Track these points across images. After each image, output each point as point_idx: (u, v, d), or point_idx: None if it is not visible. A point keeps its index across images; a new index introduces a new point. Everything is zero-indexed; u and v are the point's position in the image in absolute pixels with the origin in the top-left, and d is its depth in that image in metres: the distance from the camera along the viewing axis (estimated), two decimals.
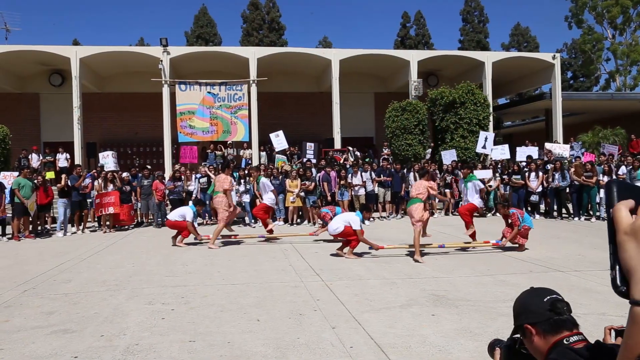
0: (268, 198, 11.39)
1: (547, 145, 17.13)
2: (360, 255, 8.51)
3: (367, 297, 5.76)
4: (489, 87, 20.76)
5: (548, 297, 1.58)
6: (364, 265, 7.69)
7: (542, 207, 14.97)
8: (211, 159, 17.92)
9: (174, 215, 10.35)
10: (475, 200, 9.40)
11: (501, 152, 16.79)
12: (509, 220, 8.82)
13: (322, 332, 4.53)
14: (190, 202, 12.35)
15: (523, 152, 16.38)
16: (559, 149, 17.12)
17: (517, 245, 8.75)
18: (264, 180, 11.74)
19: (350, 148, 18.71)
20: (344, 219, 8.62)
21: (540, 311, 1.55)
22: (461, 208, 9.73)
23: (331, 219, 9.88)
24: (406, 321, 4.82)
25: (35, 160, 17.62)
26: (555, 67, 21.23)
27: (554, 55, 21.33)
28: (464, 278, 6.67)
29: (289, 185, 13.81)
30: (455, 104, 18.70)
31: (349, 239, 8.56)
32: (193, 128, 18.61)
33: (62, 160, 18.27)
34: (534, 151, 16.59)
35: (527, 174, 14.16)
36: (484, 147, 16.53)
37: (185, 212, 10.23)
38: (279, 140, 17.14)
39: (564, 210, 13.94)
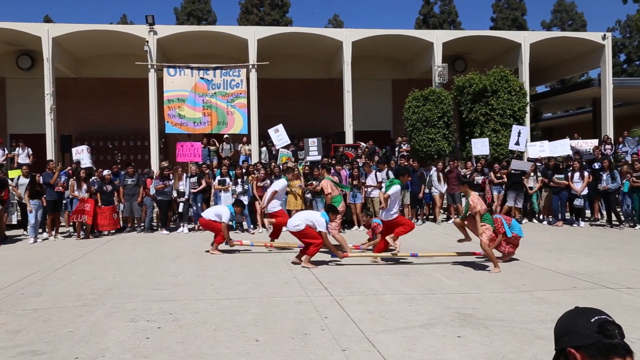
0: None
1: (573, 143, 17.02)
2: (316, 264, 8.68)
3: (382, 314, 5.76)
4: (526, 73, 20.66)
5: (596, 318, 1.56)
6: (379, 278, 7.70)
7: (588, 212, 14.92)
8: (204, 155, 17.95)
9: (209, 213, 10.45)
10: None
11: (540, 150, 16.70)
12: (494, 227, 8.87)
13: (331, 355, 4.54)
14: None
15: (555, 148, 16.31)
16: (586, 145, 17.00)
17: (500, 254, 8.87)
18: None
19: (363, 144, 18.69)
20: (307, 218, 8.86)
21: (587, 333, 1.53)
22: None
23: (381, 232, 9.88)
24: (428, 343, 4.81)
25: None
26: (605, 49, 21.08)
27: (605, 35, 21.18)
28: (496, 294, 6.65)
29: (290, 184, 13.79)
30: (486, 93, 18.63)
31: (306, 241, 8.78)
32: (183, 118, 18.66)
33: (22, 156, 17.68)
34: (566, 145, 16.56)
35: (570, 174, 14.07)
36: (517, 143, 16.38)
37: (222, 212, 10.33)
38: (278, 135, 17.09)
39: (613, 217, 13.84)
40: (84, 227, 13.18)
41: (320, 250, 8.92)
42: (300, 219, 8.87)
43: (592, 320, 1.55)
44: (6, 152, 18.28)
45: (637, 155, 14.79)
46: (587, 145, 17.22)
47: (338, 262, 8.94)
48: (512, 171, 14.59)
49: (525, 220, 14.65)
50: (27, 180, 13.01)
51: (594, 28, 57.80)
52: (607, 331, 1.52)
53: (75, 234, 13.16)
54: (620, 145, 19.10)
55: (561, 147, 16.17)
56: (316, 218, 8.82)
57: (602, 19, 74.87)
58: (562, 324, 1.63)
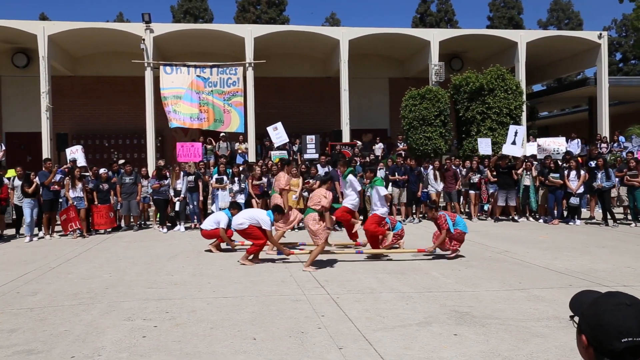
0: (350, 200, 9.70)
1: (540, 141, 17.01)
2: (258, 261, 8.86)
3: (379, 313, 5.77)
4: (523, 71, 20.70)
5: (628, 339, 1.47)
6: (376, 276, 7.71)
7: (585, 210, 14.95)
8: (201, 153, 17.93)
9: (208, 223, 10.44)
10: (380, 210, 9.33)
11: (537, 149, 16.71)
12: (438, 224, 9.09)
13: (327, 353, 4.54)
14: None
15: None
16: (554, 144, 16.97)
17: (448, 251, 9.06)
18: (351, 177, 9.89)
19: (359, 142, 18.71)
20: (252, 216, 8.96)
21: (610, 341, 1.48)
22: (367, 224, 9.47)
23: (388, 229, 9.85)
24: (424, 341, 4.82)
25: None
26: (601, 48, 21.14)
27: (601, 34, 21.24)
28: (492, 292, 6.66)
29: (290, 183, 13.79)
30: (482, 91, 18.66)
31: (250, 240, 8.94)
32: (178, 113, 18.60)
33: None
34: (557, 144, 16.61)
35: (566, 172, 14.10)
36: (513, 142, 16.26)
37: (220, 218, 10.33)
38: (277, 133, 17.13)
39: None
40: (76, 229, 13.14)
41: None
42: (244, 218, 8.95)
43: (622, 340, 1.46)
44: (3, 148, 18.18)
45: (632, 154, 14.81)
46: (555, 144, 17.12)
47: (286, 259, 9.08)
48: (501, 170, 14.61)
49: (522, 219, 14.66)
50: (20, 182, 12.96)
51: (590, 27, 57.96)
52: (633, 354, 1.46)
53: (71, 233, 13.13)
54: (615, 144, 19.13)
55: (531, 149, 16.37)
56: (261, 217, 8.89)
57: (598, 18, 75.23)
58: (598, 311, 1.54)
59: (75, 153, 16.03)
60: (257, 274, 8.06)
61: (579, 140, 19.98)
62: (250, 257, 8.89)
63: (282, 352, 4.59)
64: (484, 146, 16.48)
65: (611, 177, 13.65)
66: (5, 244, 12.19)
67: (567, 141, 17.73)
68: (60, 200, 13.62)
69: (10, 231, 13.72)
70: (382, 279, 7.56)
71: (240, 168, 14.72)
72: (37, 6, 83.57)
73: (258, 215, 8.95)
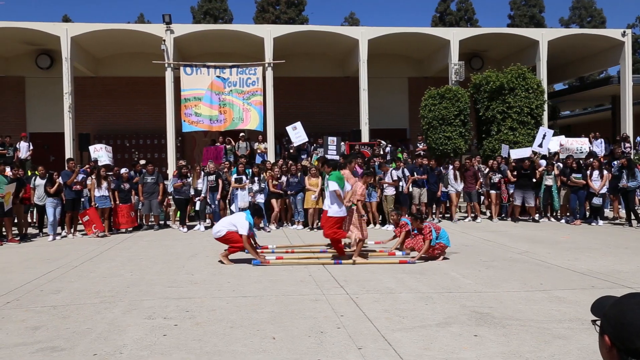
0: (331, 206, 9.02)
1: (562, 140, 16.72)
2: (234, 261, 8.80)
3: (398, 313, 5.75)
4: (544, 70, 20.46)
5: None
6: (395, 276, 7.69)
7: (608, 211, 14.75)
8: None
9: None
10: (331, 209, 8.80)
11: (559, 146, 16.51)
12: (422, 232, 8.96)
13: (347, 353, 4.54)
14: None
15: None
16: (577, 143, 16.68)
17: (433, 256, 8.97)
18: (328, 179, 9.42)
19: (383, 142, 18.65)
20: (230, 222, 8.92)
21: (633, 339, 1.48)
22: (325, 232, 9.13)
23: (408, 232, 9.80)
24: (444, 342, 4.80)
25: (24, 150, 17.99)
26: (625, 46, 20.81)
27: (624, 32, 20.90)
28: (513, 293, 6.60)
29: (309, 183, 13.83)
30: (503, 91, 18.48)
31: (230, 244, 8.87)
32: (199, 116, 18.72)
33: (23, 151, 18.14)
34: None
35: (589, 172, 13.92)
36: (540, 145, 15.92)
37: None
38: (296, 133, 17.16)
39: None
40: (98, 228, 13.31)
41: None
42: (222, 225, 8.94)
43: None
44: (31, 147, 18.51)
45: None
46: (577, 143, 16.84)
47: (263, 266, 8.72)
48: (522, 172, 14.41)
49: (543, 219, 14.50)
50: (42, 182, 13.13)
51: (614, 24, 57.24)
52: None
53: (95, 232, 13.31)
54: None
55: (553, 145, 16.13)
56: (239, 221, 8.83)
57: (621, 15, 74.08)
58: (620, 311, 1.54)
59: (100, 151, 16.22)
60: (275, 273, 8.08)
61: (602, 139, 19.71)
62: (230, 256, 8.92)
63: (301, 352, 4.60)
64: (505, 151, 16.42)
65: (636, 177, 13.44)
66: (29, 243, 12.39)
67: (590, 141, 17.50)
68: (83, 199, 13.81)
69: (34, 230, 13.96)
70: (401, 279, 7.54)
71: (259, 168, 14.77)
72: (60, 8, 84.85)
73: (235, 221, 8.89)
